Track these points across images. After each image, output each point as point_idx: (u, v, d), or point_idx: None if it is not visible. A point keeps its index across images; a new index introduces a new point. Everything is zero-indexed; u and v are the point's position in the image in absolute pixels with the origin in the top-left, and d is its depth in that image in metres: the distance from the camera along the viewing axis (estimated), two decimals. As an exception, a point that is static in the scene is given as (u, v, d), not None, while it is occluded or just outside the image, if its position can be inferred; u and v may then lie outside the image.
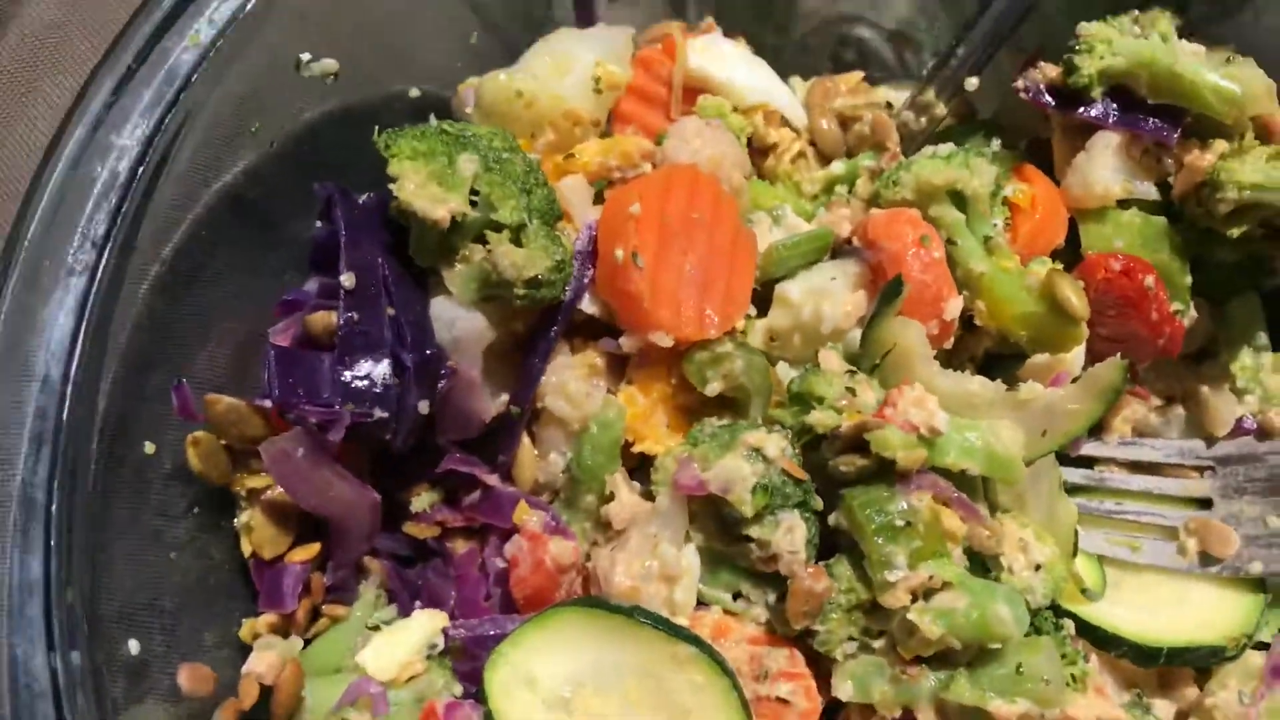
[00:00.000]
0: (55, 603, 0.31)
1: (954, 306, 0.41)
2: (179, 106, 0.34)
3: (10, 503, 0.31)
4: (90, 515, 0.32)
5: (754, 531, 0.39)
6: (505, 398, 0.41)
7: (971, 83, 0.44)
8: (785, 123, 0.46)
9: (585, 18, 0.44)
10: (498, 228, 0.38)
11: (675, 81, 0.45)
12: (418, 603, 0.41)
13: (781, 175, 0.45)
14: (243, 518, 0.38)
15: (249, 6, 0.35)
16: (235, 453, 0.38)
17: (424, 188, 0.37)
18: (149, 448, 0.35)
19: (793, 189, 0.46)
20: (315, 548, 0.39)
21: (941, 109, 0.44)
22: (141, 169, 0.33)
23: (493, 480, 0.41)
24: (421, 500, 0.41)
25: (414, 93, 0.41)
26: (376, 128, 0.39)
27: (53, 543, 0.30)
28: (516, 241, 0.38)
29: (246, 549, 0.38)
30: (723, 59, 0.45)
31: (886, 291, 0.39)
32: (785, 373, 0.42)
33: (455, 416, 0.40)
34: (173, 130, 0.34)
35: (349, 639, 0.39)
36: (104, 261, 0.33)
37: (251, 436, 0.37)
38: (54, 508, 0.31)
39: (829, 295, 0.41)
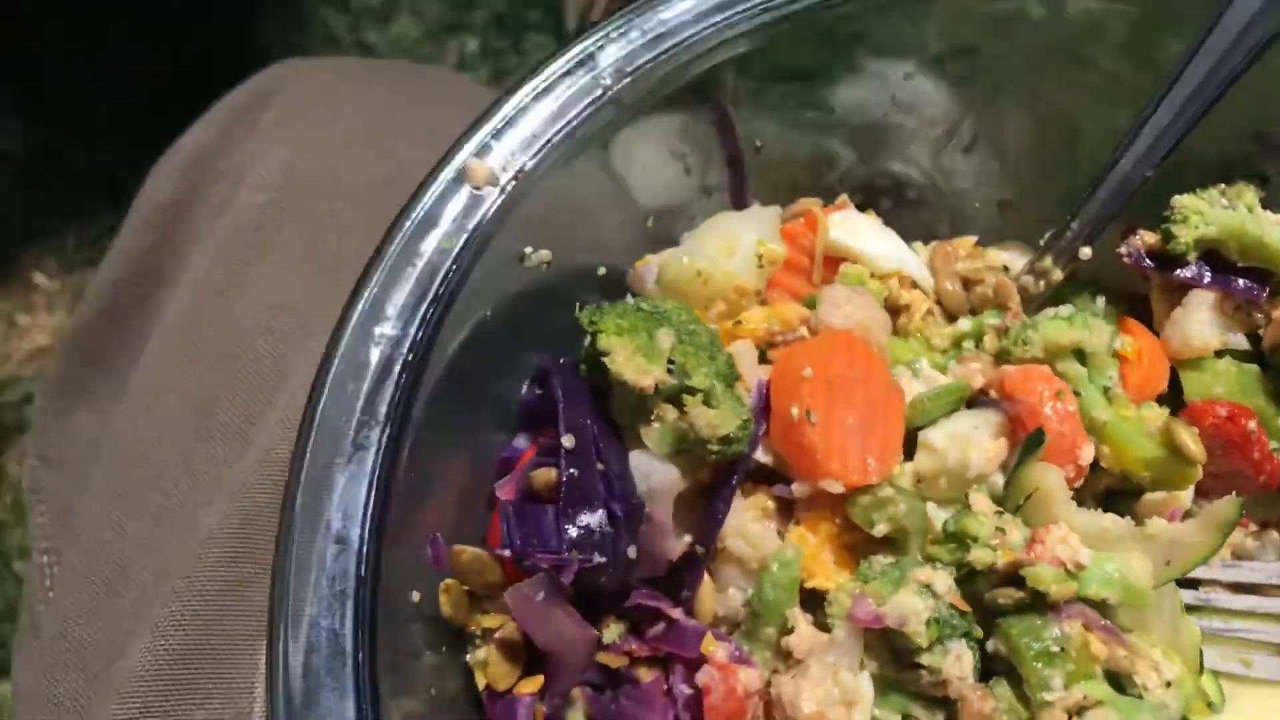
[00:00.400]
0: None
1: (1087, 453, 0.46)
2: (437, 301, 0.39)
3: (319, 650, 0.35)
4: (382, 660, 0.36)
5: (925, 660, 0.44)
6: (688, 539, 0.46)
7: (1085, 252, 0.49)
8: (914, 285, 0.52)
9: (739, 202, 0.49)
10: (691, 391, 0.43)
11: (817, 252, 0.50)
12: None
13: (913, 332, 0.51)
14: (479, 654, 0.43)
15: (490, 214, 0.40)
16: (472, 596, 0.43)
17: (631, 360, 0.42)
18: (415, 596, 0.40)
19: (923, 344, 0.51)
20: (539, 680, 0.43)
21: (1058, 274, 0.50)
22: (410, 354, 0.39)
23: (676, 614, 0.46)
24: (611, 632, 0.46)
25: (600, 271, 0.46)
26: (578, 304, 0.44)
27: (363, 687, 0.35)
28: (707, 403, 0.43)
29: (481, 682, 0.43)
30: (858, 230, 0.51)
31: (1029, 442, 0.45)
32: (933, 512, 0.47)
33: (647, 557, 0.45)
34: (433, 320, 0.39)
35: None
36: (384, 435, 0.38)
37: (489, 582, 0.42)
38: (360, 655, 0.35)
39: (973, 443, 0.46)
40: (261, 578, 0.50)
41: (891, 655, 0.45)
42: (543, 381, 0.44)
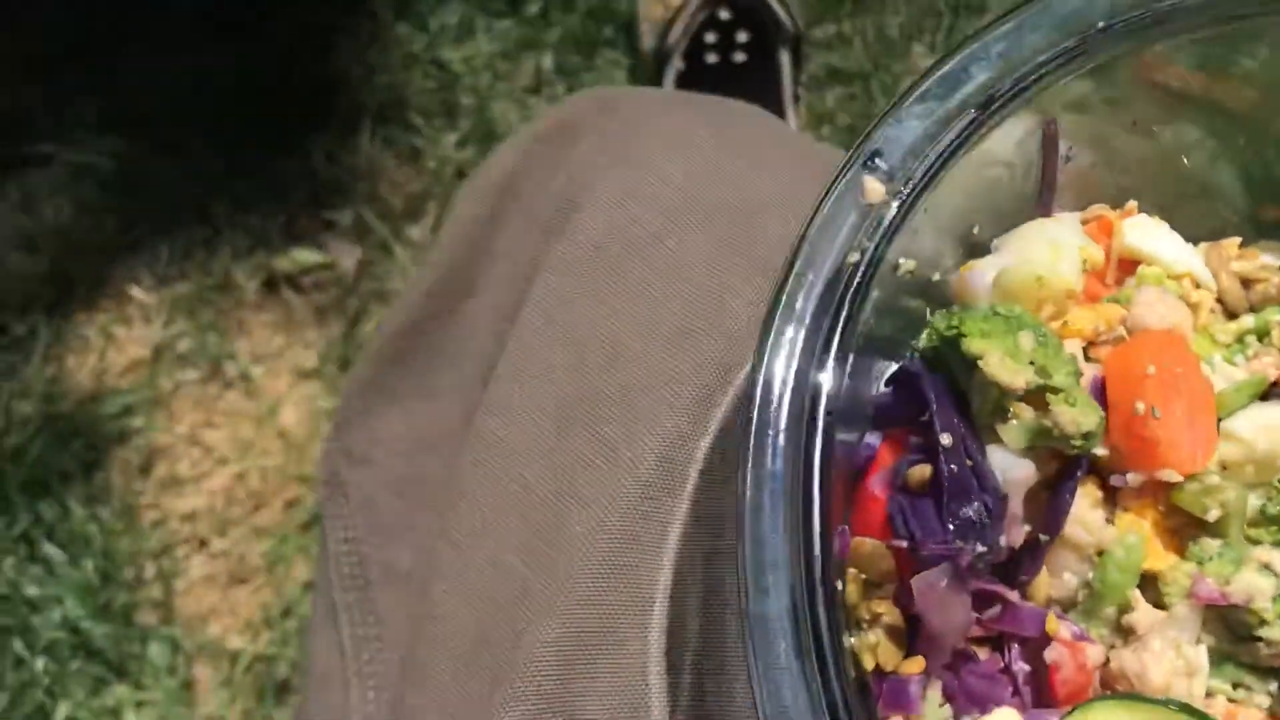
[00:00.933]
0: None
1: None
2: (840, 312, 0.42)
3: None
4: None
5: (1264, 633, 0.47)
6: (1027, 527, 0.49)
7: (1368, 257, 0.52)
8: (1198, 285, 0.55)
9: (1044, 210, 0.53)
10: (1054, 391, 0.46)
11: (1113, 255, 0.54)
12: (964, 703, 0.49)
13: (1200, 329, 0.54)
14: (869, 637, 0.46)
15: (887, 228, 0.43)
16: (864, 585, 0.46)
17: (1003, 363, 0.45)
18: (839, 585, 0.43)
19: (1209, 339, 0.54)
20: (920, 661, 0.46)
21: (1342, 276, 0.53)
22: (818, 368, 0.42)
23: (1013, 597, 0.49)
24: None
25: (935, 276, 0.50)
26: (928, 308, 0.47)
27: (826, 659, 0.38)
28: (1068, 402, 0.46)
29: (870, 663, 0.46)
30: (1150, 234, 0.54)
31: None
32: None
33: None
34: (839, 331, 0.42)
35: (929, 738, 0.47)
36: (819, 431, 0.41)
37: (883, 571, 0.45)
38: (821, 631, 0.38)
39: (1280, 430, 0.50)
40: (640, 565, 0.52)
41: (1226, 630, 0.48)
42: (900, 383, 0.47)
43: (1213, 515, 0.48)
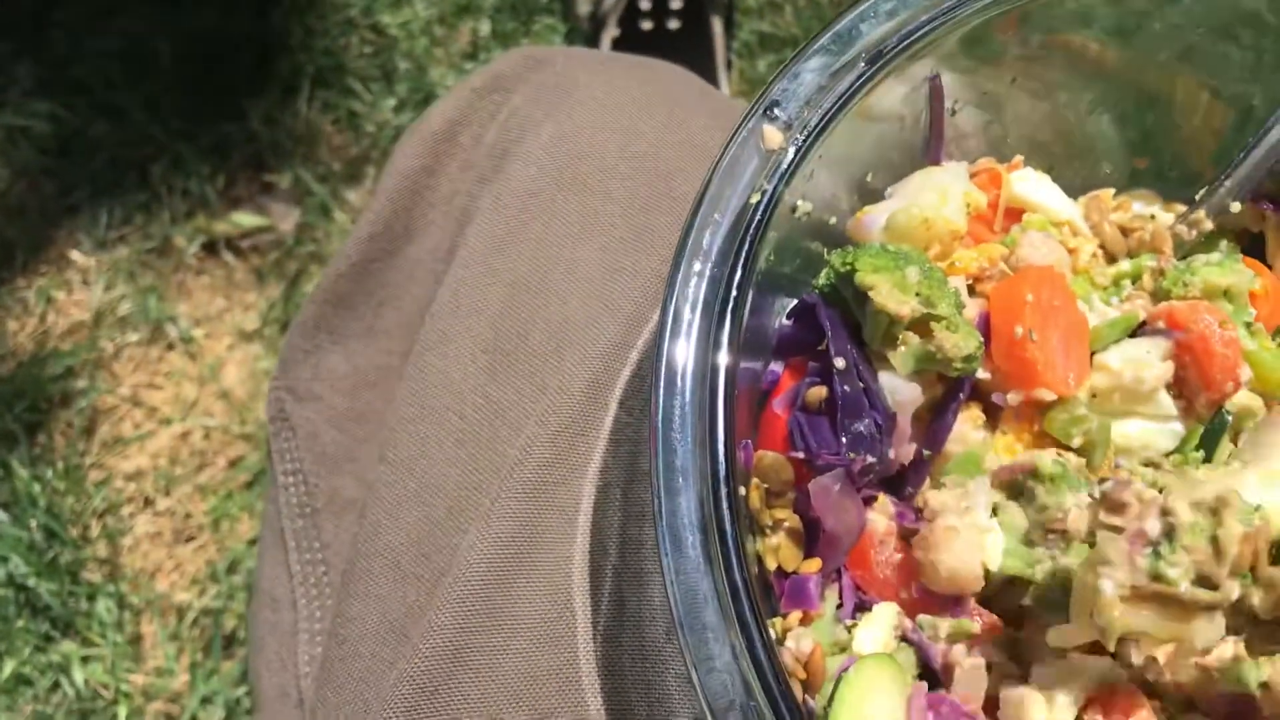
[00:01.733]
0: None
1: (1245, 373, 0.55)
2: (746, 243, 0.47)
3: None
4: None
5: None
6: (915, 445, 0.54)
7: (1235, 206, 0.58)
8: (1076, 233, 0.60)
9: (934, 159, 0.57)
10: (937, 319, 0.51)
11: (1000, 203, 0.59)
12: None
13: (1081, 271, 0.59)
14: (771, 541, 0.51)
15: (784, 171, 0.48)
16: (767, 493, 0.51)
17: (891, 293, 0.50)
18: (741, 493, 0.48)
19: (1088, 281, 0.59)
20: (818, 561, 0.51)
21: (1209, 225, 0.59)
22: (732, 291, 0.46)
23: (901, 502, 0.54)
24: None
25: (832, 220, 0.54)
26: (826, 250, 0.52)
27: (730, 553, 0.43)
28: (949, 329, 0.51)
29: (772, 564, 0.51)
30: (1034, 185, 0.59)
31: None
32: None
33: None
34: (745, 262, 0.46)
35: (828, 631, 0.52)
36: (725, 354, 0.46)
37: (783, 480, 0.50)
38: (725, 529, 0.43)
39: (1146, 364, 0.55)
40: (567, 483, 0.57)
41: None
42: (801, 315, 0.52)
43: (1076, 441, 0.54)
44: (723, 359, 0.45)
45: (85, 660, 1.34)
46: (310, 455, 0.68)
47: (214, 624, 1.37)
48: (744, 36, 1.75)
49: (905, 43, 0.51)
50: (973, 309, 0.55)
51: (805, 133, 0.49)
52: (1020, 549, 0.51)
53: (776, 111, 0.49)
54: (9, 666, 1.33)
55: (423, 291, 0.67)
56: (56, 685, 1.32)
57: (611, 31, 1.70)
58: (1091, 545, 0.47)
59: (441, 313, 0.60)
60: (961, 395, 0.53)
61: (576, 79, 0.66)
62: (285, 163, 1.63)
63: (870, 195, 0.58)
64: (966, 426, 0.54)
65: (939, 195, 0.55)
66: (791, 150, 0.49)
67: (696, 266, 0.47)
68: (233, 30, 1.67)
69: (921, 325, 0.52)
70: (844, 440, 0.49)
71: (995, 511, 0.51)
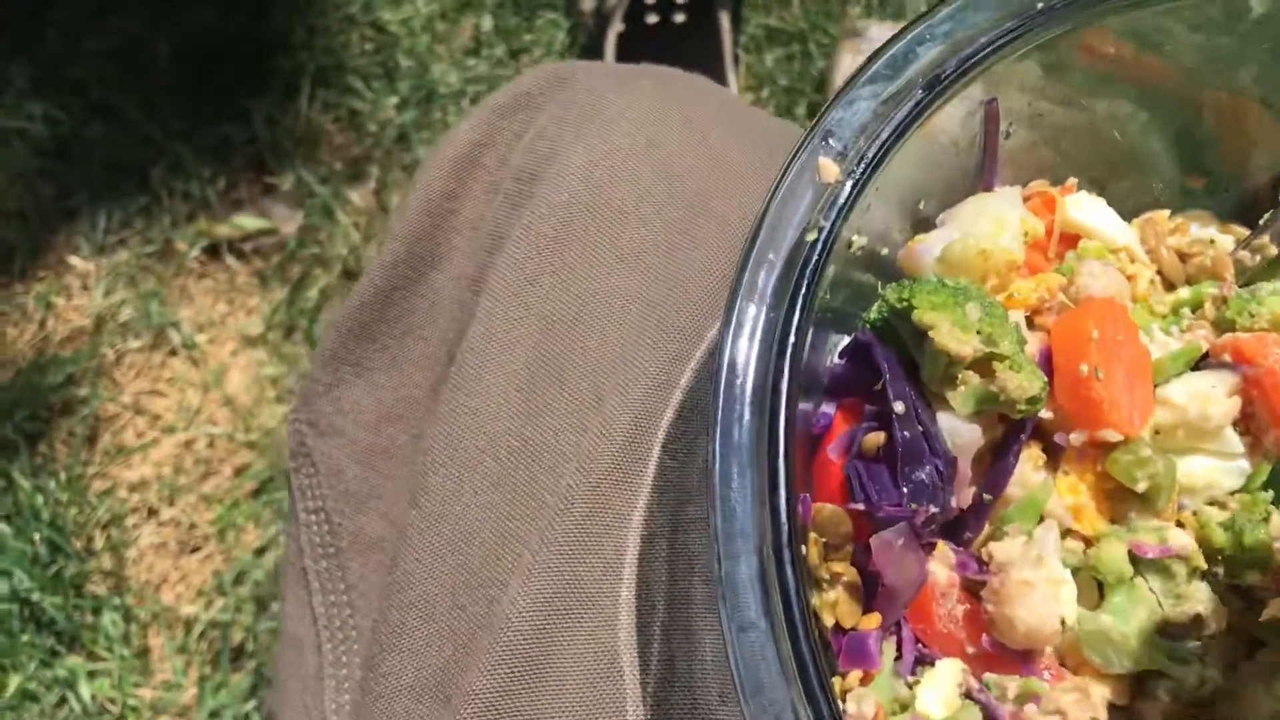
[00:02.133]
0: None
1: (1317, 411, 0.52)
2: (802, 286, 0.44)
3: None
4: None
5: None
6: (974, 488, 0.52)
7: (1301, 231, 0.55)
8: (1133, 259, 0.58)
9: (989, 185, 0.55)
10: (999, 358, 0.49)
11: (1055, 230, 0.56)
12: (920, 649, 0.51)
13: (1139, 300, 0.57)
14: (828, 596, 0.48)
15: (842, 207, 0.45)
16: (824, 547, 0.48)
17: (951, 332, 0.48)
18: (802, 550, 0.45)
19: (1146, 309, 0.57)
20: (877, 617, 0.49)
21: (1274, 250, 0.56)
22: (789, 340, 0.44)
23: (962, 550, 0.52)
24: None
25: (884, 251, 0.52)
26: (878, 282, 0.50)
27: (794, 617, 0.40)
28: (1013, 368, 0.49)
29: (830, 620, 0.48)
30: (1089, 209, 0.57)
31: None
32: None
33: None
34: (801, 306, 0.44)
35: (888, 687, 0.49)
36: (783, 404, 0.43)
37: (842, 533, 0.47)
38: (789, 591, 0.41)
39: (1212, 399, 0.53)
40: (611, 533, 0.54)
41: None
42: (854, 354, 0.49)
43: (1141, 486, 0.51)
44: (781, 411, 0.43)
45: (92, 675, 1.32)
46: (334, 493, 0.65)
47: (222, 636, 1.35)
48: (751, 31, 1.72)
49: (964, 67, 0.49)
50: (1033, 344, 0.52)
51: (863, 164, 0.46)
52: (1159, 640, 0.49)
53: (832, 142, 0.46)
54: (15, 682, 1.31)
55: (448, 321, 0.64)
56: (63, 700, 1.30)
57: (617, 27, 1.67)
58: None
59: (473, 349, 0.58)
60: (1024, 436, 0.51)
61: (604, 97, 0.63)
62: (287, 164, 1.60)
63: (921, 223, 0.55)
64: (1027, 467, 0.52)
65: (995, 224, 0.52)
66: (849, 183, 0.46)
67: (751, 310, 0.44)
68: (231, 29, 1.64)
69: (983, 364, 0.49)
70: (905, 490, 0.47)
71: (1119, 583, 0.49)
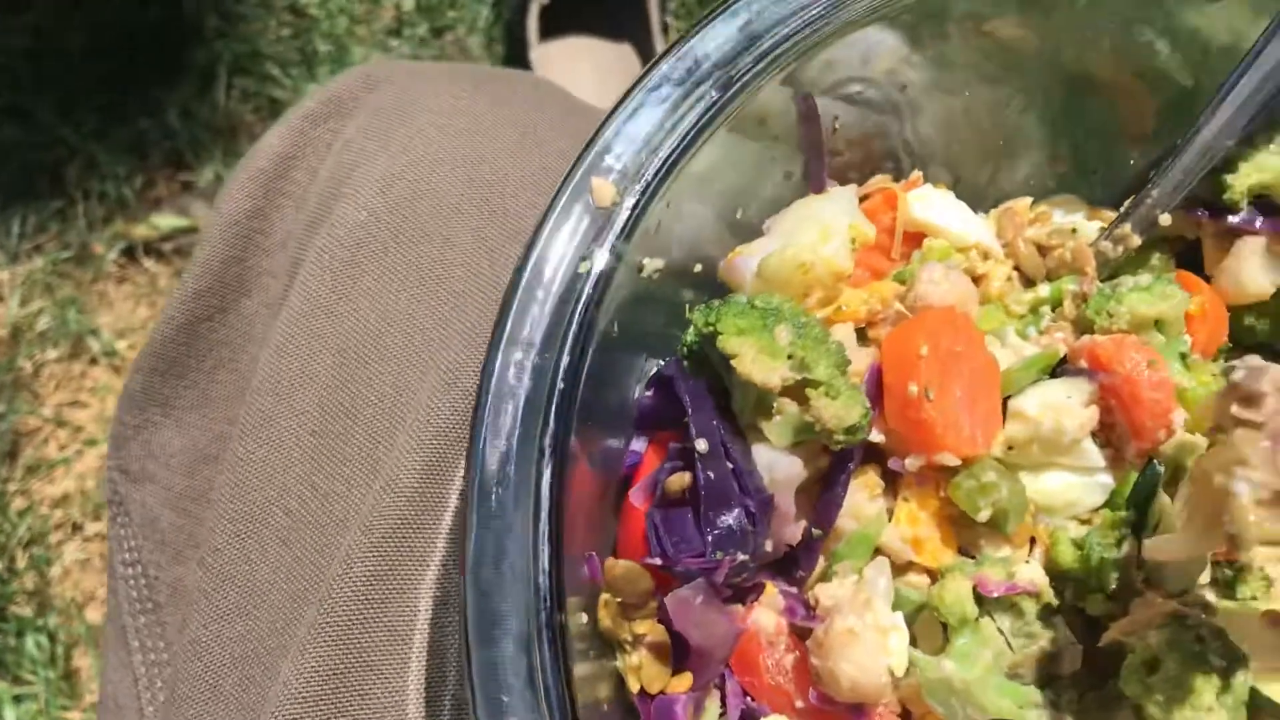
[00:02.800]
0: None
1: (1179, 417, 0.48)
2: (582, 325, 0.40)
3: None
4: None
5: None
6: (803, 523, 0.47)
7: (1165, 219, 0.51)
8: (987, 255, 0.53)
9: (818, 186, 0.50)
10: (814, 385, 0.44)
11: (898, 230, 0.51)
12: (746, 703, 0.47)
13: (993, 300, 0.52)
14: (631, 659, 0.44)
15: (620, 233, 0.40)
16: (623, 607, 0.44)
17: (757, 360, 0.43)
18: (584, 618, 0.41)
19: (1001, 310, 0.52)
20: (688, 677, 0.44)
21: (1137, 240, 0.51)
22: (564, 383, 0.39)
23: (792, 591, 0.48)
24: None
25: (697, 268, 0.47)
26: (687, 304, 0.45)
27: (552, 701, 0.36)
28: (829, 395, 0.44)
29: (635, 685, 0.44)
30: (935, 206, 0.52)
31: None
32: (1026, 481, 0.49)
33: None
34: (580, 346, 0.39)
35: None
36: (548, 468, 0.38)
37: (641, 590, 0.43)
38: (559, 690, 0.36)
39: (1067, 410, 0.48)
40: (399, 597, 0.50)
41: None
42: (660, 386, 0.45)
43: (983, 516, 0.47)
44: (547, 472, 0.38)
45: (17, 699, 1.29)
46: (149, 543, 0.61)
47: (152, 653, 1.31)
48: (682, -4, 1.66)
49: (763, 62, 0.44)
50: (863, 360, 0.48)
51: (644, 183, 0.41)
52: (1008, 685, 0.45)
53: (609, 160, 0.41)
54: (-63, 710, 1.27)
55: (261, 351, 0.60)
56: (-12, 728, 1.26)
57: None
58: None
59: (262, 389, 0.53)
60: (851, 465, 0.46)
61: (416, 100, 0.58)
62: (205, 158, 1.55)
63: (745, 231, 0.50)
64: (862, 496, 0.47)
65: (820, 232, 0.48)
66: (629, 204, 0.41)
67: (517, 355, 0.40)
68: (144, 20, 1.58)
69: (797, 390, 0.45)
70: (709, 538, 0.42)
71: (963, 624, 0.45)
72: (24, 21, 1.60)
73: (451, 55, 1.65)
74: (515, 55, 1.61)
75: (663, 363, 0.47)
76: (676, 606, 0.41)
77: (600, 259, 0.40)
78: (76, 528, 1.37)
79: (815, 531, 0.46)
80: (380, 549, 0.50)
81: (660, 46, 1.60)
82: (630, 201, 0.41)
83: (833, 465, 0.46)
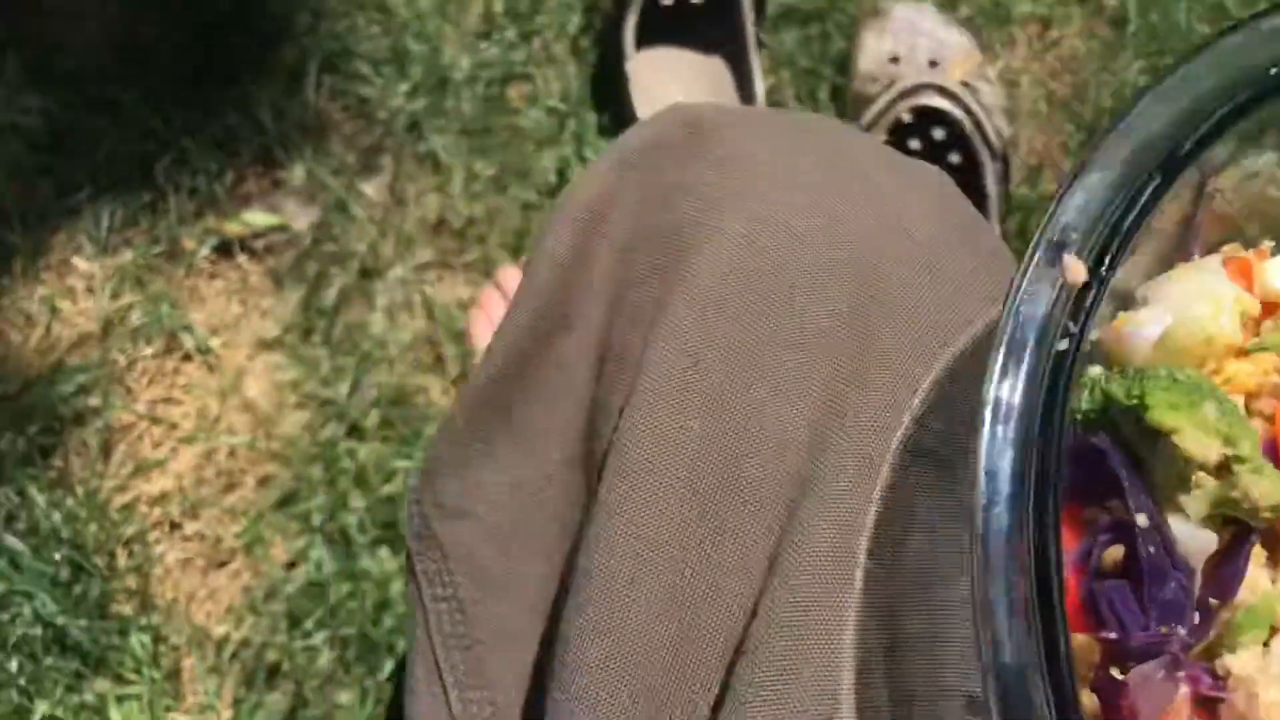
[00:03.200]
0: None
1: None
2: (1053, 409, 0.40)
3: None
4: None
5: None
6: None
7: None
8: (1333, 320, 0.54)
9: (1184, 255, 0.51)
10: (1240, 460, 0.45)
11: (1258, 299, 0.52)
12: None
13: (1339, 362, 0.53)
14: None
15: (1092, 313, 0.41)
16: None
17: (1195, 437, 0.44)
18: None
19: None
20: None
21: None
22: (1045, 469, 0.40)
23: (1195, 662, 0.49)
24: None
25: (1094, 336, 0.48)
26: (1103, 376, 0.46)
27: None
28: (1256, 471, 0.45)
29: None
30: (1283, 274, 0.53)
31: None
32: None
33: (1175, 616, 0.47)
34: (1056, 432, 0.40)
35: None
36: (1032, 554, 0.39)
37: (1087, 663, 0.44)
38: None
39: None
40: (820, 657, 0.50)
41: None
42: (1080, 458, 0.46)
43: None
44: (1053, 575, 0.39)
45: (121, 699, 1.28)
46: (467, 579, 0.61)
47: (255, 656, 1.30)
48: (769, 11, 1.67)
49: (1199, 144, 0.45)
50: (1259, 435, 0.49)
51: (1109, 260, 0.42)
52: None
53: (1073, 236, 0.42)
54: (41, 709, 1.26)
55: (582, 389, 0.60)
56: (93, 728, 1.25)
57: (635, 9, 1.61)
58: None
59: (638, 440, 0.53)
60: (1254, 539, 0.47)
61: (748, 149, 0.58)
62: (296, 156, 1.54)
63: (1120, 297, 0.51)
64: (1251, 565, 0.48)
65: (1213, 304, 0.48)
66: (1097, 282, 0.42)
67: (1001, 432, 0.40)
68: (233, 16, 1.57)
69: (1219, 466, 0.45)
70: (1153, 613, 0.43)
71: None
72: (109, 13, 1.58)
73: (539, 61, 1.65)
74: (607, 64, 1.62)
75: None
76: (1139, 682, 0.42)
77: (1074, 337, 0.41)
78: (175, 526, 1.36)
79: (1212, 602, 0.47)
80: (801, 605, 0.50)
81: (754, 60, 1.60)
82: (1098, 280, 0.42)
83: (1235, 538, 0.47)
